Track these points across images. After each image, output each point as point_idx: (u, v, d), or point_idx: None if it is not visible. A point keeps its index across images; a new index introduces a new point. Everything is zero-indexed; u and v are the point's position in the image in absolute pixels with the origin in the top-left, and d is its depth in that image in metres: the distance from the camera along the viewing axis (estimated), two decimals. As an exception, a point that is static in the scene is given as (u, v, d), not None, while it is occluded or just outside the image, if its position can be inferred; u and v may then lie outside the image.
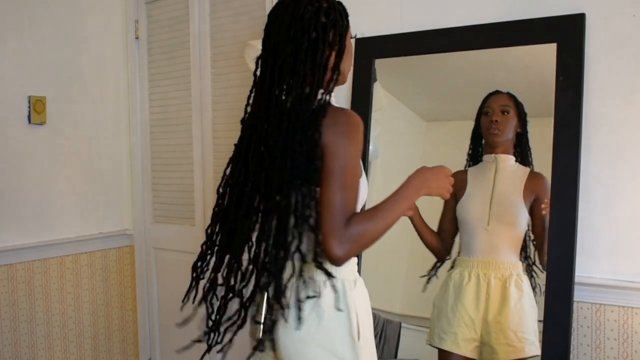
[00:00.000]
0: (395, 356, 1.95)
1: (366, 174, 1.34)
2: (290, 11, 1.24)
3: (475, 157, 1.85)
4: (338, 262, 1.16)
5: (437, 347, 1.80)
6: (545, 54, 1.68)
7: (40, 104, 2.47)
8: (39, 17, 2.47)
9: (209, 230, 1.34)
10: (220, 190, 1.34)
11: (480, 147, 1.83)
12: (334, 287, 1.21)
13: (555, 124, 1.66)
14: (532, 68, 1.76)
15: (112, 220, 2.81)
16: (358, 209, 1.25)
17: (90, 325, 2.70)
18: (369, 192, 1.37)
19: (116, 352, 2.82)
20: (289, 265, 1.21)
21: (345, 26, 1.29)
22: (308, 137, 1.17)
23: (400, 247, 1.88)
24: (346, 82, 1.36)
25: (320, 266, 1.18)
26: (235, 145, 1.34)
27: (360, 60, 2.03)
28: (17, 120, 2.41)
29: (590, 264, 1.65)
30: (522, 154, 1.78)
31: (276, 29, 1.25)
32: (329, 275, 1.18)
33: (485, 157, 1.81)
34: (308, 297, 1.20)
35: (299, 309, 1.19)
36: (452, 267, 1.83)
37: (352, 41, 1.41)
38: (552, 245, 1.64)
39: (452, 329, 1.76)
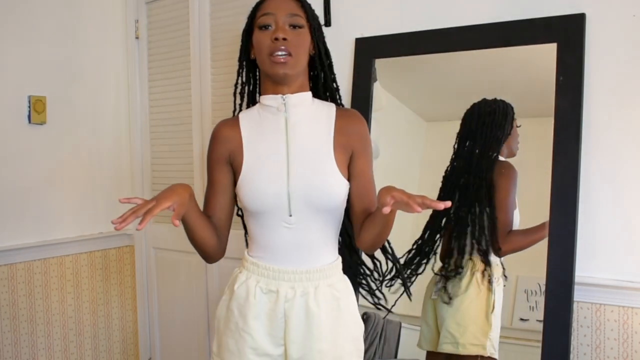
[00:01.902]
0: (395, 356, 1.95)
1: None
2: None
3: None
4: None
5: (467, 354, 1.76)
6: (545, 54, 1.68)
7: (40, 104, 2.46)
8: (39, 17, 2.47)
9: None
10: None
11: None
12: None
13: (555, 124, 1.65)
14: (532, 68, 1.76)
15: (112, 220, 2.80)
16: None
17: (90, 325, 2.70)
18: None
19: (116, 352, 2.82)
20: None
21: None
22: None
23: (400, 246, 1.88)
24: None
25: None
26: None
27: (360, 60, 2.03)
28: (17, 120, 2.41)
29: (590, 264, 1.65)
30: None
31: None
32: None
33: None
34: None
35: None
36: (457, 267, 1.80)
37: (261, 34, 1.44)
38: (552, 245, 1.63)
39: (494, 334, 1.73)
